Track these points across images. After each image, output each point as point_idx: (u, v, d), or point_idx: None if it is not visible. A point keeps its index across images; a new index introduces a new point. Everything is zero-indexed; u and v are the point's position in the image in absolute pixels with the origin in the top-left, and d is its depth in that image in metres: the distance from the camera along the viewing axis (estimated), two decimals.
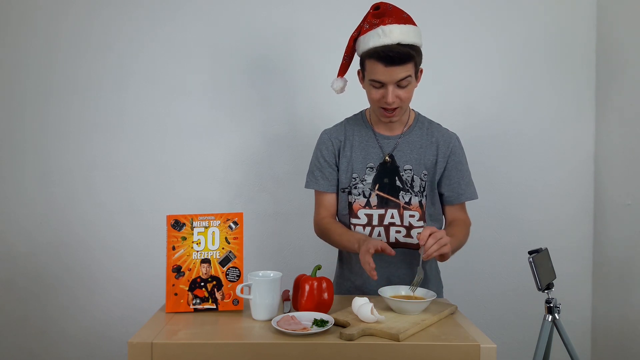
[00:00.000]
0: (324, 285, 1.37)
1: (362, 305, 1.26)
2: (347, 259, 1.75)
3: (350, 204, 1.66)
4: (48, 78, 2.34)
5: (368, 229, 1.64)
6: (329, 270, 1.81)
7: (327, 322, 1.23)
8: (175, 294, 1.38)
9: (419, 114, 1.72)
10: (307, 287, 1.36)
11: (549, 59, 2.36)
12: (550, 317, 1.73)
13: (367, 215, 1.64)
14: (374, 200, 1.63)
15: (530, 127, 2.38)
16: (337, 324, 1.27)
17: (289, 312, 1.36)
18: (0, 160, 2.36)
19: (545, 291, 1.71)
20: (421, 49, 1.56)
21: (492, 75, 2.37)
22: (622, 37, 2.21)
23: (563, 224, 2.39)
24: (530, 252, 1.69)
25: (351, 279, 1.72)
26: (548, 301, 1.73)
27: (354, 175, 1.65)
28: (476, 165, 2.36)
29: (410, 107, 1.71)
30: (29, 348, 2.37)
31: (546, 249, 1.76)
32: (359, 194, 1.64)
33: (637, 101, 2.12)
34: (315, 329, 1.20)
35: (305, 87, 2.35)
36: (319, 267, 1.44)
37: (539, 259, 1.68)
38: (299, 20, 2.34)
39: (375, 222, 1.64)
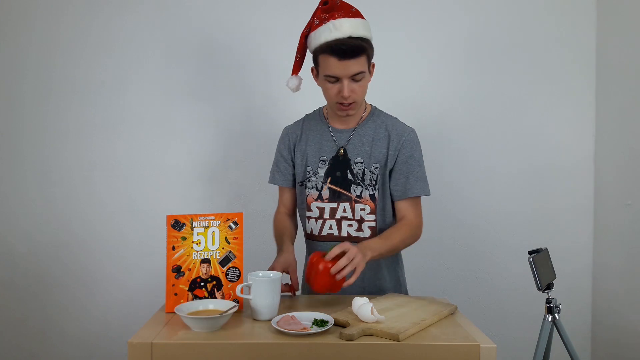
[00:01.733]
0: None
1: (362, 305, 1.26)
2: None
3: (306, 197, 1.68)
4: (48, 78, 2.34)
5: (320, 222, 1.66)
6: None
7: (327, 322, 1.23)
8: (175, 294, 1.38)
9: (375, 108, 1.71)
10: (320, 267, 1.36)
11: (549, 60, 2.36)
12: (550, 317, 1.73)
13: (319, 208, 1.65)
14: (325, 193, 1.64)
15: (530, 127, 2.38)
16: (337, 324, 1.27)
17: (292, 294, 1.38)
18: (0, 160, 2.36)
19: (545, 291, 1.71)
20: (371, 42, 1.56)
21: (492, 75, 2.37)
22: (622, 37, 2.21)
23: (563, 224, 2.39)
24: (530, 252, 1.69)
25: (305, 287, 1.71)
26: (548, 301, 1.73)
27: (308, 169, 1.67)
28: (476, 165, 2.37)
29: (369, 103, 1.71)
30: (29, 348, 2.37)
31: (546, 249, 1.76)
32: (312, 187, 1.66)
33: (637, 101, 2.11)
34: (315, 329, 1.20)
35: (306, 87, 2.35)
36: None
37: (539, 259, 1.68)
38: (300, 18, 2.33)
39: (327, 215, 1.65)
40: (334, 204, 1.63)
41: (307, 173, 1.66)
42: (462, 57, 2.37)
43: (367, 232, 1.64)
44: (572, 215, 2.39)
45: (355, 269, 1.37)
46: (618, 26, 2.24)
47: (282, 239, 1.67)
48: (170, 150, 2.36)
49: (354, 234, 1.64)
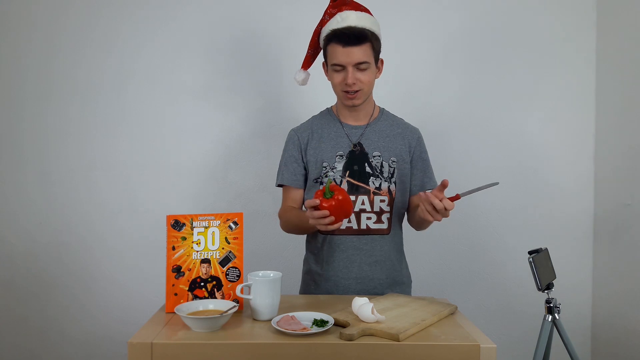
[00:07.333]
0: (341, 197, 1.40)
1: (362, 305, 1.26)
2: (320, 261, 1.70)
3: None
4: (48, 78, 2.34)
5: None
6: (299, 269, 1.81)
7: (327, 322, 1.23)
8: (175, 294, 1.38)
9: (383, 109, 1.76)
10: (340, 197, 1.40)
11: (550, 59, 2.36)
12: (550, 317, 1.73)
13: None
14: (344, 187, 1.65)
15: (530, 127, 2.38)
16: (337, 324, 1.27)
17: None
18: (0, 160, 2.36)
19: (545, 291, 1.71)
20: (379, 38, 1.63)
21: (492, 76, 2.37)
22: (622, 37, 2.21)
23: (563, 224, 2.39)
24: (530, 252, 1.69)
25: (320, 284, 1.69)
26: (548, 301, 1.73)
27: (324, 164, 1.67)
28: (476, 165, 2.37)
29: (377, 104, 1.75)
30: (29, 348, 2.37)
31: (546, 249, 1.76)
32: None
33: (637, 101, 2.12)
34: (315, 329, 1.20)
35: (307, 89, 2.35)
36: (330, 182, 1.43)
37: (539, 259, 1.68)
38: (300, 19, 2.33)
39: None
40: (352, 197, 1.64)
41: (324, 169, 1.67)
42: (462, 56, 2.37)
43: (385, 224, 1.66)
44: (572, 215, 2.39)
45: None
46: (618, 26, 2.24)
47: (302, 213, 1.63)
48: (171, 150, 2.36)
49: (372, 226, 1.66)
